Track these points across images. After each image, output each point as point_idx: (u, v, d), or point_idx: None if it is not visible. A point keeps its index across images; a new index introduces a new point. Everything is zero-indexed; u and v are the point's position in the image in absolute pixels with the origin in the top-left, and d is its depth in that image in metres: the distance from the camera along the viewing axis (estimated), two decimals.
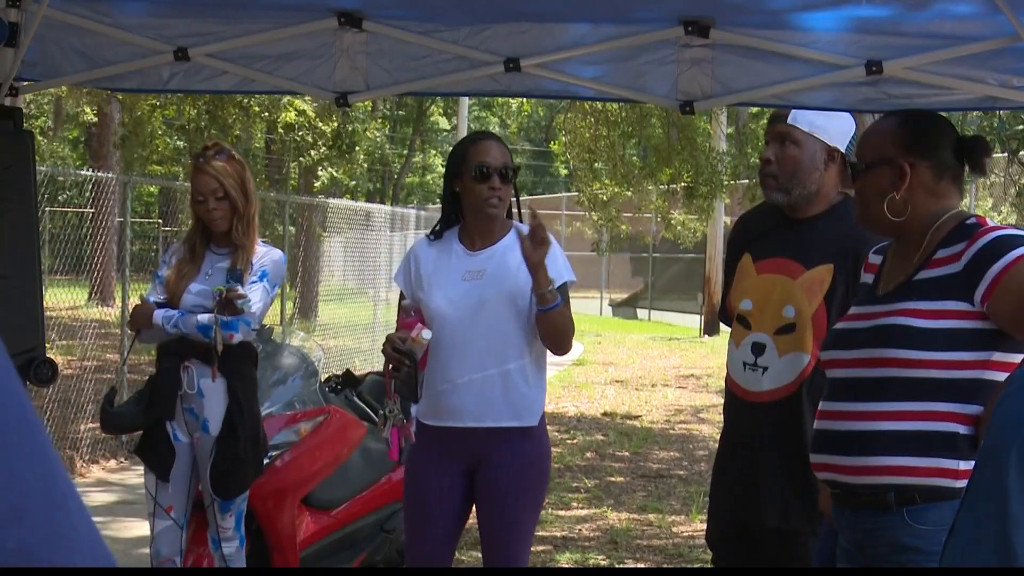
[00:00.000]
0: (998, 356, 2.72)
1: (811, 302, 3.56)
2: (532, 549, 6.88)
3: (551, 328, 3.76)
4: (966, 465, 2.66)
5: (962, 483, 2.63)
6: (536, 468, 3.92)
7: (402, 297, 4.08)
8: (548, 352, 3.96)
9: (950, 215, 2.83)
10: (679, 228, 22.04)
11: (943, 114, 3.21)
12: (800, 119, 3.69)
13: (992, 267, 2.69)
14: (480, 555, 4.52)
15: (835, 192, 3.69)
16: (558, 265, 3.86)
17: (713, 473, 3.90)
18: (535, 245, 3.72)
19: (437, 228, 4.05)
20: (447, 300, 3.89)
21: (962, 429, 2.72)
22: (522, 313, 3.86)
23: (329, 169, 18.22)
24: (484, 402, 3.85)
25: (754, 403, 3.62)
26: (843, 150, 3.69)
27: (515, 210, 4.05)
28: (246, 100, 14.52)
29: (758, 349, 3.61)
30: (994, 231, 2.76)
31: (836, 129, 3.71)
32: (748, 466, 3.65)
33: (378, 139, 24.88)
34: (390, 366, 3.87)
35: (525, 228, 3.84)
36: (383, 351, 3.93)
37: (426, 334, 3.82)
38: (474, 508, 4.04)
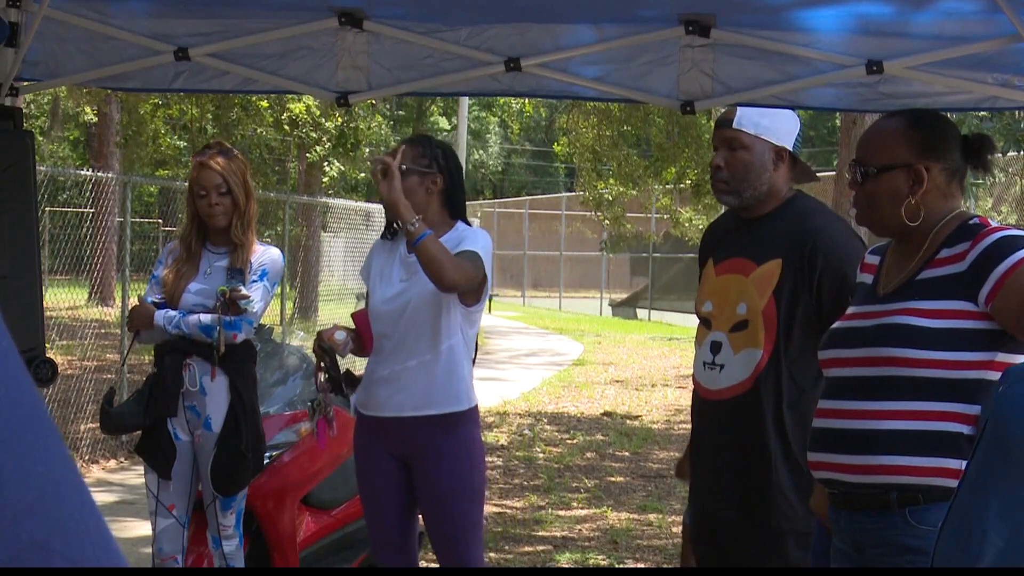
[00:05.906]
0: (1001, 357, 2.71)
1: (761, 298, 3.58)
2: (532, 549, 6.85)
3: (422, 260, 3.83)
4: None
5: None
6: (466, 462, 4.03)
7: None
8: (466, 346, 4.09)
9: (953, 215, 2.83)
10: (687, 225, 22.06)
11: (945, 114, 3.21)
12: (746, 122, 3.69)
13: (997, 268, 2.68)
14: None
15: (787, 189, 3.72)
16: (474, 243, 3.98)
17: (691, 465, 3.94)
18: (380, 179, 3.88)
19: (396, 228, 4.15)
20: (383, 299, 4.08)
21: (965, 429, 2.71)
22: (443, 308, 3.98)
23: (335, 164, 18.23)
24: (402, 393, 4.02)
25: (715, 400, 3.68)
26: (790, 148, 3.70)
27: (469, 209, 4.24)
28: (249, 100, 14.52)
29: (715, 348, 3.66)
30: (998, 231, 2.75)
31: (782, 128, 3.71)
32: (711, 462, 3.70)
33: (382, 133, 24.90)
34: (320, 362, 4.17)
35: (472, 227, 4.06)
36: (312, 347, 4.22)
37: (339, 335, 4.11)
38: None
